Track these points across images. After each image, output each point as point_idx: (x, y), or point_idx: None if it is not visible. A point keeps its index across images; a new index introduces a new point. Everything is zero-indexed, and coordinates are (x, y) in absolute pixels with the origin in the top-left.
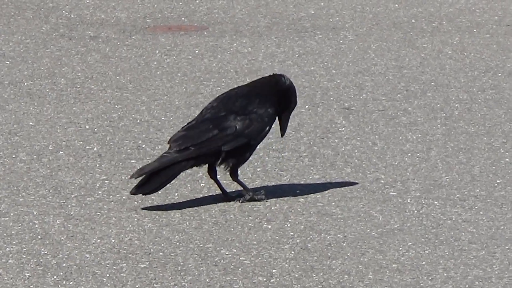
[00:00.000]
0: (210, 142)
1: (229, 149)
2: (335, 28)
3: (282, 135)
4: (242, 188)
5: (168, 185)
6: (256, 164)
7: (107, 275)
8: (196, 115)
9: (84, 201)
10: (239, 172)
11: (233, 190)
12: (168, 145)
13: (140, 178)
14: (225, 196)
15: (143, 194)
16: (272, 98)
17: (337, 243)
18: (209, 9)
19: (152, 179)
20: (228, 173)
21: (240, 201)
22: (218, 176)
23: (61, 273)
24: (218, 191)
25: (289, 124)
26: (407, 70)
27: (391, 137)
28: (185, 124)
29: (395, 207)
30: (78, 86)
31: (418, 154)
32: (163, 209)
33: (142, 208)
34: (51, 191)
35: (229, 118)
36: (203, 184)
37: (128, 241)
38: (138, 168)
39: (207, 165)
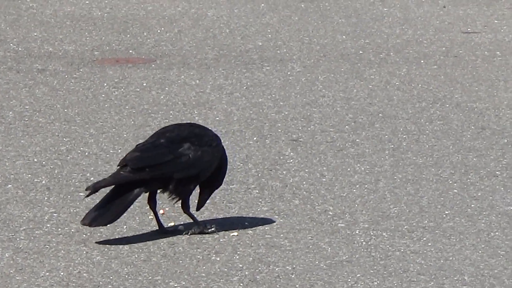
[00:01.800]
0: (164, 167)
1: (180, 177)
2: (282, 60)
3: (198, 209)
4: (191, 221)
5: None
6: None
7: None
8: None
9: (33, 234)
10: (190, 204)
11: (182, 223)
12: (119, 166)
13: (91, 210)
14: (161, 230)
15: (97, 226)
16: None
17: (285, 275)
18: (157, 42)
19: (107, 210)
20: (176, 205)
21: (189, 233)
22: (165, 208)
23: None
24: (167, 223)
25: (237, 156)
26: (355, 102)
27: (339, 169)
28: (138, 144)
29: (344, 238)
30: (26, 119)
31: (366, 186)
32: (112, 242)
33: (91, 241)
34: None
35: (184, 146)
36: (151, 217)
37: (77, 274)
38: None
39: (147, 194)
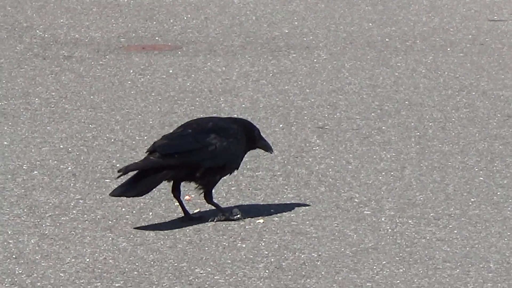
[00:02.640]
0: (193, 154)
1: (208, 166)
2: (309, 47)
3: (272, 151)
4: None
5: (149, 193)
6: (230, 183)
7: None
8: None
9: (59, 220)
10: (213, 194)
11: (207, 210)
12: (147, 152)
13: (119, 186)
14: (187, 217)
15: (125, 197)
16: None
17: (311, 262)
18: (183, 29)
19: (135, 184)
20: (201, 195)
21: (215, 220)
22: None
23: None
24: (193, 210)
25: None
26: (381, 89)
27: (365, 156)
28: (165, 134)
29: (369, 225)
30: (52, 105)
31: (392, 173)
32: (138, 228)
33: (117, 228)
34: (25, 210)
35: (210, 136)
36: (177, 204)
37: (102, 260)
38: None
39: (172, 182)
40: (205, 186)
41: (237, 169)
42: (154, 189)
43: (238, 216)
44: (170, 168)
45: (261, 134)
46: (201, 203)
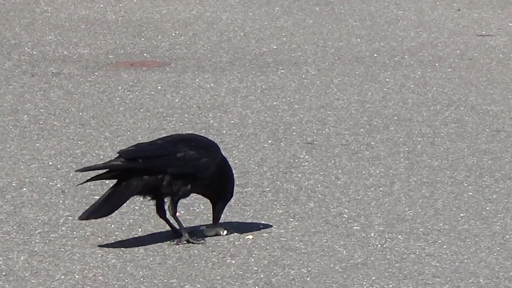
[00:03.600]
0: (158, 160)
1: (175, 172)
2: (297, 63)
3: (214, 222)
4: (210, 223)
5: (126, 218)
6: None
7: None
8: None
9: (48, 237)
10: (178, 208)
11: (202, 224)
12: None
13: (89, 207)
14: (174, 233)
15: (93, 218)
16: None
17: (301, 277)
18: (171, 45)
19: (104, 205)
20: (169, 208)
21: (175, 243)
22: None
23: None
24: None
25: (252, 159)
26: (370, 105)
27: (354, 172)
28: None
29: (359, 241)
30: (41, 122)
31: (381, 188)
32: (127, 244)
33: (106, 244)
34: (14, 227)
35: (180, 145)
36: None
37: (92, 277)
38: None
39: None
40: (172, 195)
41: (232, 195)
42: (123, 205)
43: (202, 241)
44: (138, 179)
45: (223, 205)
46: (190, 220)
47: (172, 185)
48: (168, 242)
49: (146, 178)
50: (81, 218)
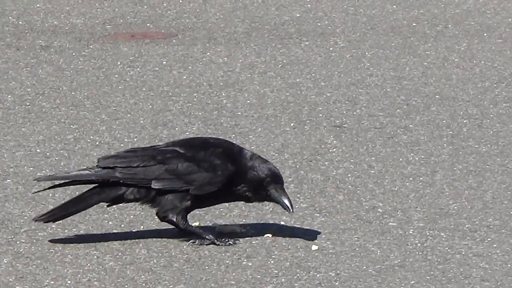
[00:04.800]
0: (141, 171)
1: (159, 187)
2: (324, 34)
3: (290, 210)
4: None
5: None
6: None
7: None
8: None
9: (35, 236)
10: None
11: (220, 223)
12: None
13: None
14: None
15: (44, 222)
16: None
17: (328, 282)
18: (179, 14)
19: (61, 206)
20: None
21: (197, 243)
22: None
23: None
24: (192, 223)
25: (272, 145)
26: (408, 82)
27: (390, 159)
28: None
29: (395, 239)
30: (28, 103)
31: (421, 178)
32: (127, 244)
33: (103, 244)
34: None
35: (173, 154)
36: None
37: (86, 283)
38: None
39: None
40: (163, 212)
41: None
42: (115, 207)
43: (230, 242)
44: (111, 189)
45: (282, 185)
46: (200, 215)
47: (160, 201)
48: (188, 242)
49: (127, 192)
50: (35, 219)
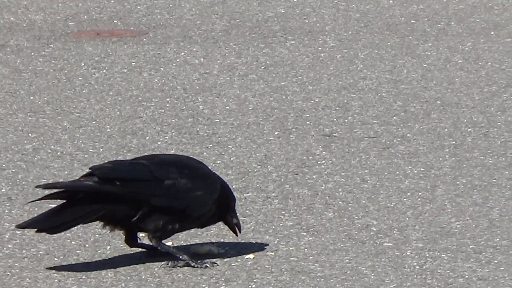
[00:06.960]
0: (141, 186)
1: (159, 204)
2: (311, 32)
3: (237, 234)
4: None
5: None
6: None
7: None
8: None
9: None
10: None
11: (181, 242)
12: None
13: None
14: (154, 252)
15: (33, 228)
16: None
17: None
18: (149, 9)
19: (52, 215)
20: (152, 240)
21: (169, 265)
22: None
23: None
24: (165, 242)
25: (253, 156)
26: (406, 85)
27: (385, 172)
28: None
29: (391, 261)
30: None
31: (420, 194)
32: (92, 266)
33: (64, 266)
34: None
35: (170, 170)
36: (143, 235)
37: None
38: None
39: (121, 231)
40: (154, 232)
41: (201, 225)
42: (79, 226)
43: (207, 265)
44: (106, 201)
45: (235, 209)
46: (174, 236)
47: (151, 219)
48: (160, 264)
49: (119, 206)
50: (20, 226)
